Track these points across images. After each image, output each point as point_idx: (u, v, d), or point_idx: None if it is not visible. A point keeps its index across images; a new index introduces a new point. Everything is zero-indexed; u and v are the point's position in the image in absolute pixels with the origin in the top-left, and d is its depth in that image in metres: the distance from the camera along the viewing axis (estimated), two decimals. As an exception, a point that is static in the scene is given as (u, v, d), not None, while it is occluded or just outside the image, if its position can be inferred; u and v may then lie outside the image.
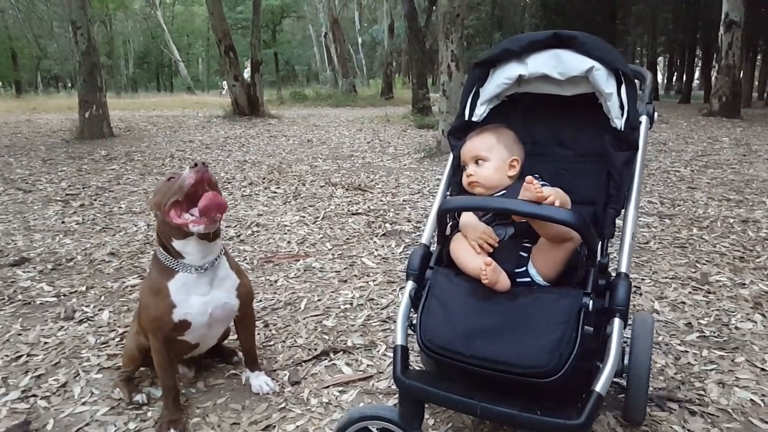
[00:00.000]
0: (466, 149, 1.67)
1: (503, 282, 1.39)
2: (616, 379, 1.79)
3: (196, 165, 1.62)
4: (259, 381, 1.96)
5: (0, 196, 5.22)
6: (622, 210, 1.56)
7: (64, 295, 2.90)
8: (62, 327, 2.53)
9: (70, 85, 33.96)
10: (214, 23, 12.01)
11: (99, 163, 6.96)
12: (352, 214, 4.40)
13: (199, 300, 1.73)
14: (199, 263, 1.71)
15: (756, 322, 2.39)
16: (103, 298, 2.87)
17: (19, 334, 2.47)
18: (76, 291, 2.95)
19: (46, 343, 2.39)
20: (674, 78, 34.97)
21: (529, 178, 1.34)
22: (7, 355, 2.27)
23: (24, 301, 2.84)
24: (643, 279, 2.89)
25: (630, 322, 1.61)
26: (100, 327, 2.52)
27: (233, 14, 25.62)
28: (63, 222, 4.33)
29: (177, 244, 1.69)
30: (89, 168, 6.61)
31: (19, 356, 2.27)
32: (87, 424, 1.81)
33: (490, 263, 1.37)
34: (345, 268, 3.20)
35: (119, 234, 3.99)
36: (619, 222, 1.55)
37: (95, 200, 5.06)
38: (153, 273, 1.77)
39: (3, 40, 25.63)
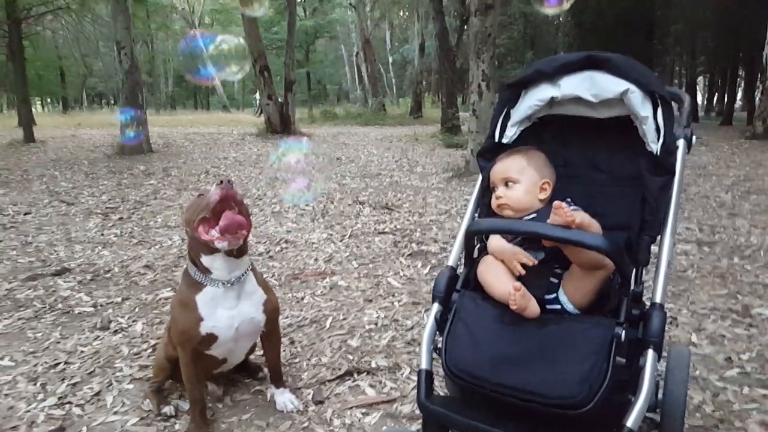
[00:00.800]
0: (496, 171, 1.65)
1: (532, 308, 1.36)
2: (649, 414, 1.71)
3: (221, 182, 1.64)
4: (284, 398, 1.96)
5: (45, 208, 5.43)
6: (658, 237, 1.52)
7: (101, 306, 2.98)
8: (98, 337, 2.60)
9: (113, 101, 35.26)
10: (250, 43, 12.33)
11: (138, 177, 7.17)
12: (379, 233, 4.40)
13: (226, 314, 1.75)
14: (226, 278, 1.73)
15: (801, 358, 2.27)
16: (137, 309, 2.93)
17: (58, 342, 2.55)
18: (112, 302, 3.03)
19: (82, 351, 2.45)
20: (715, 99, 34.11)
21: (557, 202, 1.32)
22: (46, 362, 2.34)
23: (63, 310, 2.93)
24: (679, 309, 2.78)
25: (665, 354, 1.54)
26: (133, 338, 2.57)
27: (269, 35, 26.20)
28: (102, 234, 4.47)
29: (205, 259, 1.72)
30: (128, 182, 6.82)
31: (57, 363, 2.34)
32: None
33: (519, 288, 1.34)
34: (370, 288, 3.20)
35: (155, 247, 4.08)
36: (654, 249, 1.51)
37: (133, 214, 5.20)
38: (183, 287, 1.81)
39: (53, 59, 26.79)
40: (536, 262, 1.45)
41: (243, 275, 1.77)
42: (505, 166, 1.63)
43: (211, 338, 1.75)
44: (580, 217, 1.34)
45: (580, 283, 1.39)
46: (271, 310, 1.86)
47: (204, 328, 1.73)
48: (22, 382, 2.18)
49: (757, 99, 12.23)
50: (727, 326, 2.59)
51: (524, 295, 1.35)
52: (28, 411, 1.98)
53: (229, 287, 1.74)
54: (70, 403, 2.03)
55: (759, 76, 12.64)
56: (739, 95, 29.16)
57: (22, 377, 2.22)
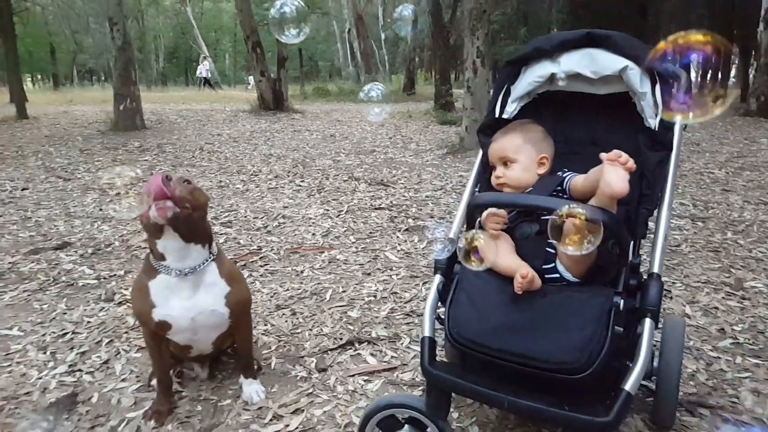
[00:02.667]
0: (493, 150, 1.69)
1: (536, 282, 1.40)
2: (644, 383, 1.77)
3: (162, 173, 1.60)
4: (251, 389, 1.92)
5: (42, 184, 5.42)
6: (655, 210, 1.56)
7: (104, 278, 3.03)
8: (103, 308, 2.65)
9: (104, 78, 34.69)
10: (242, 19, 12.15)
11: (133, 153, 7.14)
12: (375, 208, 4.44)
13: (179, 304, 1.71)
14: (179, 266, 1.68)
15: (792, 330, 2.35)
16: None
17: (64, 313, 2.60)
18: (114, 275, 3.08)
19: (89, 322, 2.51)
20: (709, 76, 34.04)
21: (613, 153, 1.33)
22: (54, 332, 2.40)
23: (67, 282, 2.97)
24: (674, 282, 2.85)
25: (660, 325, 1.60)
26: (136, 310, 2.62)
27: (260, 11, 25.79)
28: (101, 209, 4.47)
29: (159, 244, 1.68)
30: (124, 158, 6.78)
31: (65, 333, 2.39)
32: (126, 399, 1.92)
33: (527, 275, 1.36)
34: (368, 262, 3.24)
35: (152, 222, 4.10)
36: (651, 224, 1.55)
37: (130, 189, 5.18)
38: (141, 271, 1.79)
39: (43, 36, 26.32)
40: (504, 219, 1.51)
41: (200, 266, 1.71)
42: (502, 146, 1.66)
43: (165, 325, 1.73)
44: (632, 162, 1.35)
45: None
46: (236, 303, 1.79)
47: (156, 315, 1.72)
48: (32, 351, 2.24)
49: (750, 76, 12.23)
50: (720, 299, 2.66)
51: (532, 281, 1.38)
52: (40, 378, 2.04)
53: (183, 277, 1.69)
54: (80, 370, 2.09)
55: (753, 53, 12.63)
56: (733, 72, 29.07)
57: (31, 346, 2.28)
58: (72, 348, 2.26)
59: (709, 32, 1.20)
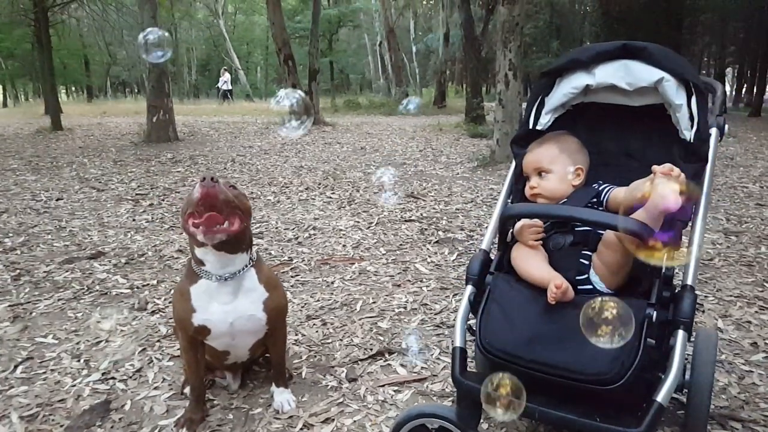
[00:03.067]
0: (528, 161, 1.69)
1: (569, 294, 1.40)
2: (675, 395, 1.75)
3: (204, 179, 1.63)
4: (282, 398, 1.93)
5: (76, 194, 5.60)
6: (689, 223, 1.55)
7: (137, 288, 3.09)
8: (136, 317, 2.71)
9: (137, 90, 35.73)
10: (275, 32, 12.40)
11: (165, 165, 7.32)
12: (405, 221, 4.46)
13: (219, 308, 1.74)
14: (219, 272, 1.72)
15: (828, 346, 2.28)
16: (172, 291, 3.03)
17: (98, 322, 2.66)
18: (147, 284, 3.14)
19: (122, 330, 2.56)
20: (744, 90, 33.27)
21: (668, 165, 1.32)
22: (88, 340, 2.46)
23: (101, 291, 3.04)
24: (706, 296, 2.80)
25: (692, 338, 1.58)
26: (170, 318, 2.66)
27: (292, 24, 26.28)
28: (134, 220, 4.60)
29: (198, 251, 1.72)
30: (156, 170, 6.96)
31: (99, 341, 2.45)
32: (158, 407, 1.94)
33: (561, 285, 1.37)
34: (399, 273, 3.26)
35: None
36: (685, 237, 1.54)
37: (163, 200, 5.33)
38: (183, 276, 1.83)
39: (77, 48, 27.18)
40: (541, 229, 1.50)
41: (240, 271, 1.75)
42: (538, 157, 1.66)
43: (204, 330, 1.76)
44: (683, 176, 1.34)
45: (608, 263, 1.43)
46: (273, 309, 1.82)
47: (196, 320, 1.74)
48: (66, 359, 2.29)
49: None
50: (753, 313, 2.61)
51: (565, 291, 1.38)
52: (74, 386, 2.08)
53: (224, 282, 1.72)
54: (113, 378, 2.13)
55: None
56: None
57: (66, 354, 2.33)
58: (106, 356, 2.31)
59: None
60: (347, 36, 39.83)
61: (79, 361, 2.27)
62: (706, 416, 1.60)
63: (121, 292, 3.03)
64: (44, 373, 2.18)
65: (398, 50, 23.82)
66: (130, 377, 2.14)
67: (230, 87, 24.79)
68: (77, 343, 2.42)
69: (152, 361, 2.26)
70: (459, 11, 13.22)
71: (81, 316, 2.72)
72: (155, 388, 2.06)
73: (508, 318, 1.44)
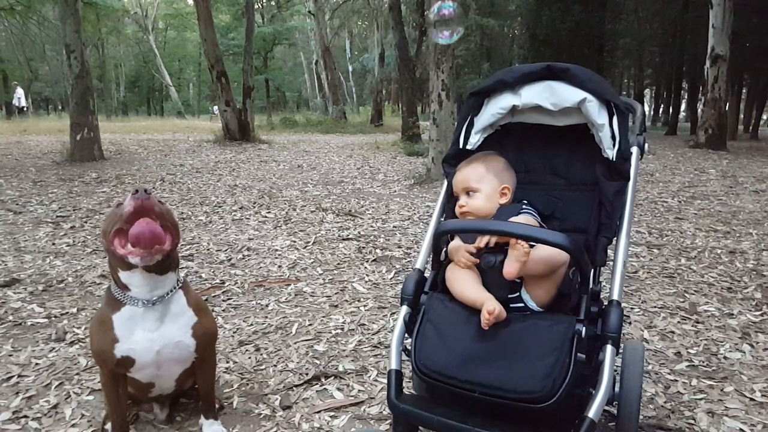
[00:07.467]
0: (457, 180, 1.70)
1: (501, 316, 1.40)
2: (606, 408, 1.79)
3: (136, 191, 1.50)
4: (212, 430, 1.82)
5: (-11, 217, 5.18)
6: (614, 239, 1.60)
7: (55, 317, 2.87)
8: (53, 348, 2.51)
9: (60, 107, 33.92)
10: (207, 49, 12.13)
11: (89, 185, 6.93)
12: (343, 239, 4.41)
13: (144, 336, 1.61)
14: (146, 297, 1.60)
15: (744, 352, 2.42)
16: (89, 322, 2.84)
17: (10, 355, 2.44)
18: (67, 312, 2.93)
19: (37, 364, 2.36)
20: (661, 110, 35.75)
21: (513, 241, 1.38)
22: (-3, 377, 2.24)
23: (15, 322, 2.81)
24: (632, 308, 2.92)
25: (620, 350, 1.62)
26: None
27: (226, 40, 25.87)
28: (53, 244, 4.30)
29: (123, 275, 1.59)
30: (80, 190, 6.58)
31: (10, 377, 2.24)
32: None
33: (493, 311, 1.36)
34: (336, 293, 3.20)
35: (109, 256, 3.96)
36: (610, 252, 1.59)
37: (86, 222, 5.03)
38: (102, 304, 1.68)
39: (-6, 63, 25.64)
40: (475, 248, 1.51)
41: (168, 294, 1.63)
42: (465, 176, 1.68)
43: (128, 361, 1.62)
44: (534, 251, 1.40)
45: (540, 281, 1.45)
46: (203, 335, 1.70)
47: (119, 351, 1.60)
48: (-27, 398, 2.08)
49: (699, 110, 12.90)
50: (676, 323, 2.74)
51: (498, 316, 1.37)
52: (-20, 427, 1.89)
53: (150, 307, 1.60)
54: (26, 416, 1.95)
55: (701, 88, 13.36)
56: (683, 107, 30.68)
57: (-28, 392, 2.12)
58: (18, 392, 2.12)
59: None
60: (283, 54, 39.70)
61: (-14, 399, 2.07)
62: (635, 427, 1.64)
63: (37, 322, 2.80)
64: (-55, 415, 1.97)
65: (334, 69, 23.96)
66: (45, 414, 1.97)
67: (24, 104, 23.75)
68: (-15, 380, 2.21)
69: (70, 395, 2.09)
70: (393, 32, 13.46)
71: (-10, 350, 2.49)
72: (72, 425, 1.90)
73: (443, 338, 1.43)
